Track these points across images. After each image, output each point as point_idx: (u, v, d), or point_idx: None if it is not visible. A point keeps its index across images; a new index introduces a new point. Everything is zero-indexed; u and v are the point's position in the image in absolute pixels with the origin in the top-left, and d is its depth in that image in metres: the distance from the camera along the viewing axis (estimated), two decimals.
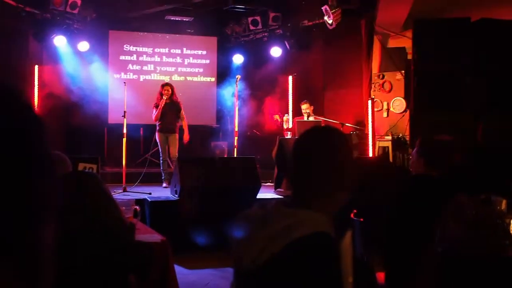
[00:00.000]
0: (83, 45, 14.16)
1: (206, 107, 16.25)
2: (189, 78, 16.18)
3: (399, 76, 12.81)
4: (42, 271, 1.13)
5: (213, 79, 16.41)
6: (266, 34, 15.55)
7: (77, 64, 14.30)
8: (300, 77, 14.95)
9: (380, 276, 4.08)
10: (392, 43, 13.55)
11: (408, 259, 3.74)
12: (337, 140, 2.23)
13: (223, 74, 16.01)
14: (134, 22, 15.44)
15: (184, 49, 16.17)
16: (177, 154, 11.62)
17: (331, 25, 12.95)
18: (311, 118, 12.56)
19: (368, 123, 12.76)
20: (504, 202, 3.43)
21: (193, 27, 16.04)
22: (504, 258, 3.24)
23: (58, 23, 13.43)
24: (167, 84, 12.20)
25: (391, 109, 12.81)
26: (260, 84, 15.94)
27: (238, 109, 12.62)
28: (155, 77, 15.76)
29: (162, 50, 15.98)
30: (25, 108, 1.13)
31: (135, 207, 5.17)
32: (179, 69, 16.11)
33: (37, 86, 13.34)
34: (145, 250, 3.67)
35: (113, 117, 14.67)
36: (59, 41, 13.67)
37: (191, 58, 16.23)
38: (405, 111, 12.52)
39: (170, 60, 16.06)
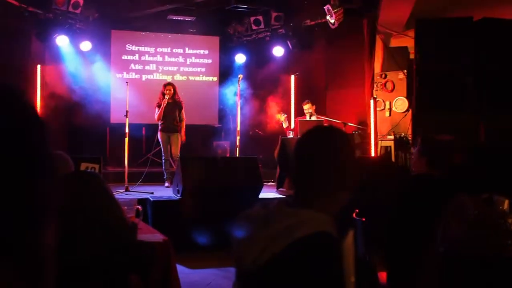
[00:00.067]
0: (86, 45, 14.16)
1: (208, 106, 16.26)
2: (191, 78, 16.18)
3: (401, 75, 12.80)
4: (43, 271, 1.13)
5: (215, 79, 16.41)
6: (268, 33, 15.55)
7: (80, 63, 14.30)
8: (302, 77, 14.95)
9: (382, 276, 4.08)
10: (394, 43, 13.53)
11: (409, 259, 3.74)
12: (339, 139, 2.22)
13: (225, 73, 16.02)
14: (136, 22, 15.44)
15: (186, 48, 16.17)
16: (179, 154, 11.63)
17: (333, 24, 12.94)
18: (313, 118, 12.55)
19: (370, 123, 12.76)
20: (506, 202, 3.42)
21: (195, 26, 16.04)
22: (506, 258, 3.23)
23: (60, 23, 13.44)
24: (169, 83, 12.21)
25: (393, 108, 12.80)
26: (262, 83, 15.94)
27: (240, 109, 12.62)
28: (157, 76, 15.76)
29: (164, 50, 15.98)
30: (26, 108, 1.13)
31: (137, 206, 5.17)
32: (181, 68, 16.11)
33: (39, 86, 13.34)
34: (147, 250, 3.68)
35: (115, 117, 14.67)
36: (62, 41, 13.68)
37: (193, 57, 16.23)
38: (407, 110, 12.51)
39: (172, 59, 16.06)
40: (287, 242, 1.94)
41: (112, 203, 3.24)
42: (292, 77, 14.47)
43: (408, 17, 12.44)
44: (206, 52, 16.36)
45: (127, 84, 11.87)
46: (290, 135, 12.26)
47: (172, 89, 11.93)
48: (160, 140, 12.00)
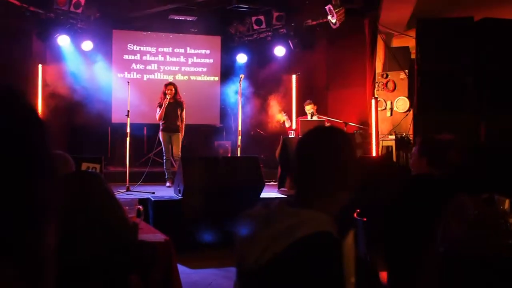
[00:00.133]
0: (87, 45, 14.17)
1: (210, 106, 16.27)
2: (192, 78, 16.18)
3: (402, 75, 12.79)
4: (43, 271, 1.13)
5: (216, 79, 16.41)
6: (269, 33, 15.56)
7: (81, 63, 14.31)
8: (304, 77, 14.95)
9: (383, 276, 4.08)
10: (396, 43, 13.54)
11: (409, 259, 3.74)
12: (340, 139, 2.22)
13: (226, 73, 16.02)
14: (138, 22, 15.45)
15: (188, 48, 16.17)
16: (180, 154, 11.63)
17: (334, 24, 12.95)
18: (315, 118, 12.54)
19: (371, 123, 12.76)
20: (507, 202, 3.42)
21: (196, 26, 16.04)
22: (506, 258, 3.24)
23: (61, 22, 13.45)
24: (170, 83, 12.22)
25: (395, 108, 12.79)
26: (264, 83, 15.94)
27: (242, 108, 12.62)
28: (158, 76, 15.76)
29: (166, 50, 15.99)
30: (26, 109, 1.13)
31: (138, 206, 5.18)
32: (183, 68, 16.11)
33: (40, 86, 13.35)
34: (148, 250, 3.68)
35: (116, 117, 14.70)
36: (63, 41, 13.68)
37: (194, 57, 16.23)
38: (408, 110, 12.51)
39: (174, 59, 16.06)
40: (288, 242, 1.94)
41: (112, 203, 3.24)
42: (294, 77, 14.46)
43: (409, 17, 12.44)
44: (208, 52, 16.36)
45: (129, 84, 11.86)
46: (292, 134, 12.25)
47: (173, 89, 11.93)
48: (161, 140, 12.00)
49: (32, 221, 1.08)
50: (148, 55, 15.81)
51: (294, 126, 12.80)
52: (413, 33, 10.60)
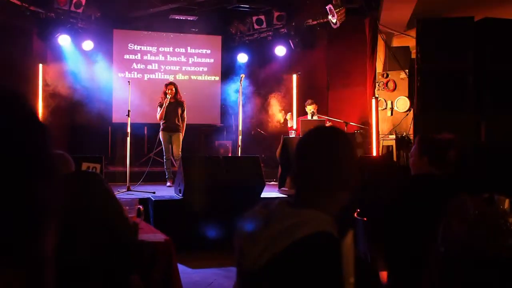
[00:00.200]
0: (88, 44, 14.18)
1: (210, 106, 16.28)
2: (193, 77, 16.19)
3: (403, 75, 12.80)
4: (43, 271, 1.13)
5: (217, 78, 16.42)
6: (270, 33, 15.57)
7: (81, 63, 14.30)
8: (304, 76, 14.94)
9: (383, 276, 4.08)
10: (396, 42, 13.55)
11: (409, 259, 3.74)
12: (339, 139, 2.22)
13: (227, 73, 16.02)
14: (138, 21, 15.46)
15: (189, 48, 16.18)
16: (180, 154, 11.62)
17: (335, 24, 12.96)
18: (315, 117, 12.54)
19: (372, 122, 12.76)
20: (507, 201, 3.42)
21: (197, 26, 16.04)
22: (506, 258, 3.24)
23: (62, 22, 13.46)
24: (171, 83, 12.21)
25: (395, 108, 12.80)
26: (264, 83, 15.95)
27: (242, 108, 12.61)
28: (159, 76, 15.77)
29: (167, 49, 15.99)
30: (27, 110, 1.14)
31: (138, 206, 5.18)
32: (184, 68, 16.11)
33: (41, 85, 13.34)
34: (148, 250, 3.68)
35: (117, 116, 14.70)
36: (64, 40, 13.70)
37: (195, 57, 16.24)
38: (409, 110, 12.51)
39: (175, 59, 16.06)
40: (288, 242, 1.95)
41: (112, 203, 3.25)
42: (294, 77, 14.45)
43: (410, 17, 12.45)
44: (208, 51, 16.37)
45: (129, 84, 11.84)
46: (292, 134, 12.25)
47: (174, 89, 11.93)
48: (161, 139, 12.00)
49: (32, 221, 1.08)
50: (148, 55, 15.82)
51: (295, 126, 12.80)
52: (413, 33, 10.61)
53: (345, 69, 14.93)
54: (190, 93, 14.69)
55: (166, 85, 12.06)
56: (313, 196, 2.12)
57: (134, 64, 15.63)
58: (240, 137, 12.18)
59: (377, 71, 13.26)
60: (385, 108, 12.93)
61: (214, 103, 16.37)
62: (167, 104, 11.76)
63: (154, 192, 10.20)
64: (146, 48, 15.79)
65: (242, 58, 16.09)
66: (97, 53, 14.50)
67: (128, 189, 10.93)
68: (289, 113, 13.09)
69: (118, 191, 10.50)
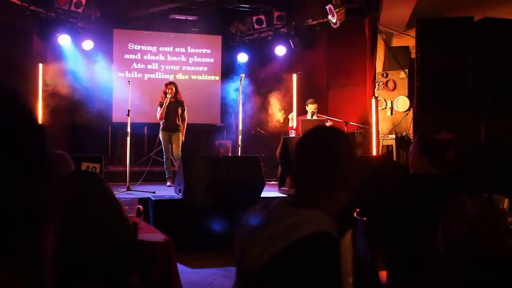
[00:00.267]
0: (88, 44, 14.18)
1: (211, 105, 16.28)
2: (193, 77, 16.19)
3: (402, 75, 12.81)
4: (43, 271, 1.14)
5: (217, 78, 16.42)
6: (270, 33, 15.58)
7: (81, 62, 14.30)
8: (304, 76, 14.93)
9: (382, 275, 4.08)
10: (396, 42, 13.56)
11: (409, 259, 3.74)
12: (339, 139, 2.23)
13: (227, 72, 16.02)
14: (139, 21, 15.45)
15: (189, 47, 16.18)
16: (180, 153, 11.62)
17: (335, 24, 12.97)
18: (315, 117, 12.54)
19: (371, 122, 12.76)
20: (506, 201, 3.43)
21: (197, 25, 16.04)
22: (506, 258, 3.24)
23: (62, 21, 13.47)
24: (171, 83, 12.21)
25: (395, 107, 12.80)
26: (264, 82, 15.96)
27: (242, 108, 12.61)
28: (159, 75, 15.76)
29: (167, 49, 15.99)
30: (25, 110, 1.14)
31: (138, 206, 5.18)
32: (184, 67, 16.11)
33: (41, 85, 13.33)
34: (148, 250, 3.68)
35: (117, 116, 14.70)
36: (64, 40, 13.70)
37: (195, 56, 16.24)
38: (408, 109, 12.52)
39: (175, 58, 16.06)
40: (288, 242, 1.95)
41: (112, 203, 3.25)
42: (294, 76, 14.44)
43: (409, 17, 12.46)
44: (208, 51, 16.37)
45: (129, 83, 11.83)
46: (292, 134, 12.24)
47: (174, 88, 11.93)
48: (161, 139, 12.00)
49: (32, 221, 1.08)
50: (148, 55, 15.82)
51: (295, 126, 12.79)
52: (413, 32, 10.61)
53: (345, 69, 14.94)
54: (190, 92, 14.69)
55: (166, 85, 12.06)
56: (313, 195, 2.12)
57: (134, 64, 15.63)
58: (240, 137, 12.18)
59: (377, 71, 13.26)
60: (385, 108, 12.93)
61: (214, 103, 16.37)
62: (167, 103, 11.76)
63: (154, 192, 10.20)
64: (146, 47, 15.79)
65: (242, 57, 16.10)
66: (97, 53, 14.49)
67: (128, 189, 10.92)
68: (291, 114, 13.10)
69: (118, 190, 10.50)
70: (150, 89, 14.73)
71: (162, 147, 12.10)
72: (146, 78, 15.70)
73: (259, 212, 2.14)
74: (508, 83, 9.16)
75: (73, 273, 2.74)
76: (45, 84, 13.42)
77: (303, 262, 1.92)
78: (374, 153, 12.43)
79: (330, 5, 12.80)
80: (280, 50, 15.57)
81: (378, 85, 13.05)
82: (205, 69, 16.31)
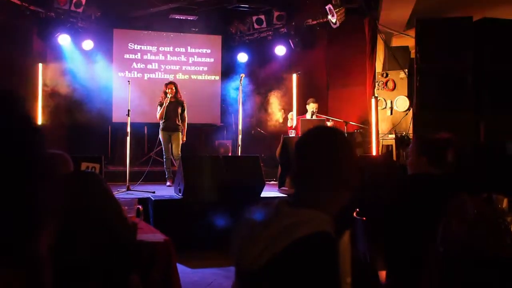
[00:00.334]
0: (87, 44, 14.19)
1: (211, 105, 16.28)
2: (193, 77, 16.19)
3: (402, 74, 12.80)
4: (42, 271, 1.14)
5: (217, 78, 16.42)
6: (270, 32, 15.59)
7: (81, 62, 14.30)
8: (304, 76, 14.93)
9: (382, 275, 4.08)
10: (396, 42, 13.55)
11: (409, 259, 3.74)
12: (339, 139, 2.23)
13: (227, 72, 16.03)
14: (139, 21, 15.46)
15: (189, 47, 16.18)
16: (179, 153, 11.62)
17: (335, 24, 12.97)
18: (314, 117, 12.54)
19: (371, 122, 12.76)
20: (505, 201, 3.43)
21: (197, 25, 16.04)
22: (506, 258, 3.24)
23: (62, 21, 13.47)
24: (171, 82, 12.22)
25: (395, 107, 12.79)
26: (264, 82, 15.96)
27: (242, 107, 12.61)
28: (159, 75, 15.76)
29: (167, 49, 15.99)
30: (24, 112, 1.14)
31: (137, 206, 5.18)
32: (184, 67, 16.11)
33: (41, 85, 13.33)
34: (148, 250, 3.68)
35: (117, 116, 14.70)
36: (63, 40, 13.71)
37: (195, 56, 16.24)
38: (408, 109, 12.50)
39: (175, 58, 16.07)
40: (287, 242, 1.95)
41: (112, 203, 3.25)
42: (294, 76, 14.44)
43: (409, 17, 12.46)
44: (208, 51, 16.37)
45: (129, 83, 11.82)
46: (292, 134, 12.24)
47: (174, 88, 11.93)
48: (161, 139, 12.00)
49: (32, 222, 1.08)
50: (148, 54, 15.82)
51: (294, 125, 12.79)
52: (412, 32, 10.59)
53: (344, 68, 14.94)
54: (190, 92, 14.69)
55: (166, 85, 12.06)
56: (312, 195, 2.12)
57: (134, 64, 15.63)
58: (240, 137, 12.18)
59: (376, 71, 13.26)
60: (385, 108, 12.92)
61: (214, 103, 16.37)
62: (167, 103, 11.76)
63: (154, 192, 10.19)
64: (146, 47, 15.79)
65: (242, 57, 16.12)
66: (97, 53, 14.50)
67: (128, 189, 10.92)
68: (291, 113, 13.10)
69: (118, 190, 10.49)
70: (150, 89, 14.73)
71: (162, 147, 12.10)
72: (146, 78, 15.70)
73: (258, 212, 2.14)
74: (508, 83, 9.15)
75: (72, 273, 2.74)
76: (45, 84, 13.43)
77: (302, 262, 1.92)
78: (374, 153, 12.43)
79: (330, 5, 12.80)
80: (280, 50, 15.58)
81: (378, 85, 13.05)
82: (205, 69, 16.31)
